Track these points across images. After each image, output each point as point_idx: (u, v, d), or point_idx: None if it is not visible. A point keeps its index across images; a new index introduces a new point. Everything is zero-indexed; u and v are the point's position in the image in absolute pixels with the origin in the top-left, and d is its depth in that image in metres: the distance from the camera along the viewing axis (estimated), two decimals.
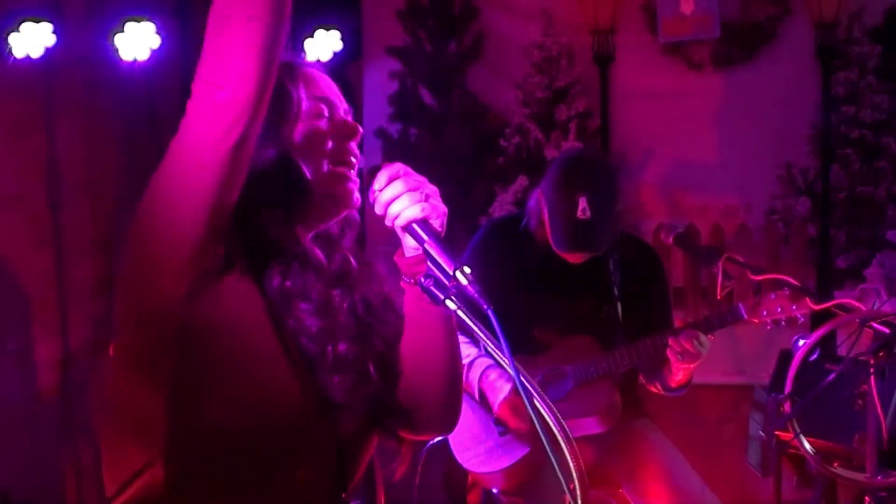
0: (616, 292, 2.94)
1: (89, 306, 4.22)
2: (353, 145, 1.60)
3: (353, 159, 1.60)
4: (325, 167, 1.57)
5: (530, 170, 4.45)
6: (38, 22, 3.31)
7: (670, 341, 2.70)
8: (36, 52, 3.33)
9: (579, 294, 2.95)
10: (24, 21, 3.29)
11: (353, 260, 1.66)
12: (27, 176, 3.91)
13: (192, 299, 1.44)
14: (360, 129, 1.61)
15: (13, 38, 3.29)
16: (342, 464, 1.60)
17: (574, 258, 2.89)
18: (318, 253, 1.59)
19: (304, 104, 1.58)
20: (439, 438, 3.04)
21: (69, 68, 3.78)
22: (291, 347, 1.52)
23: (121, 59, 3.55)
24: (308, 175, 1.55)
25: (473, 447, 2.95)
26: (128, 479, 1.52)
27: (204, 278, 1.45)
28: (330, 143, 1.58)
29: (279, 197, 1.54)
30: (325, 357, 1.53)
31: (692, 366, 2.74)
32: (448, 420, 1.74)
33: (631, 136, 4.48)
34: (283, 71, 1.56)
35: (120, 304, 1.54)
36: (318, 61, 1.72)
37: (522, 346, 2.85)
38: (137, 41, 3.54)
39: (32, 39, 3.31)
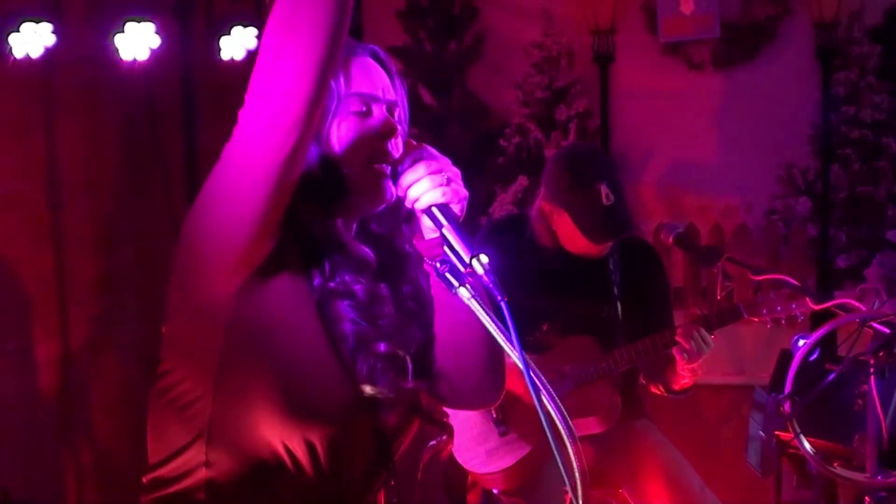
0: (616, 292, 2.94)
1: (89, 306, 4.22)
2: (391, 143, 1.57)
3: (388, 157, 1.57)
4: (362, 163, 1.55)
5: (530, 170, 4.45)
6: (38, 22, 3.30)
7: (679, 339, 2.70)
8: (36, 52, 3.33)
9: (579, 294, 2.95)
10: (24, 21, 3.28)
11: (400, 250, 1.65)
12: (27, 176, 3.91)
13: (243, 296, 1.46)
14: (398, 129, 1.58)
15: (13, 38, 3.28)
16: (384, 455, 1.61)
17: (597, 252, 2.88)
18: (362, 248, 1.58)
19: (342, 101, 1.55)
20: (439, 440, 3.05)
21: (69, 68, 3.78)
22: (337, 345, 1.53)
23: (121, 59, 3.54)
24: (344, 171, 1.54)
25: (474, 447, 2.95)
26: (169, 455, 1.57)
27: (255, 276, 1.46)
28: (366, 141, 1.56)
29: (316, 193, 1.53)
30: (366, 356, 1.54)
31: (696, 364, 2.73)
32: (493, 390, 1.74)
33: (631, 136, 4.49)
34: None
35: (173, 294, 1.55)
36: (375, 46, 1.69)
37: (525, 345, 2.85)
38: (137, 41, 3.53)
39: (32, 39, 3.31)
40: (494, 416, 2.92)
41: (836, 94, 4.24)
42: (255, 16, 4.02)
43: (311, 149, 1.52)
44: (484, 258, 1.45)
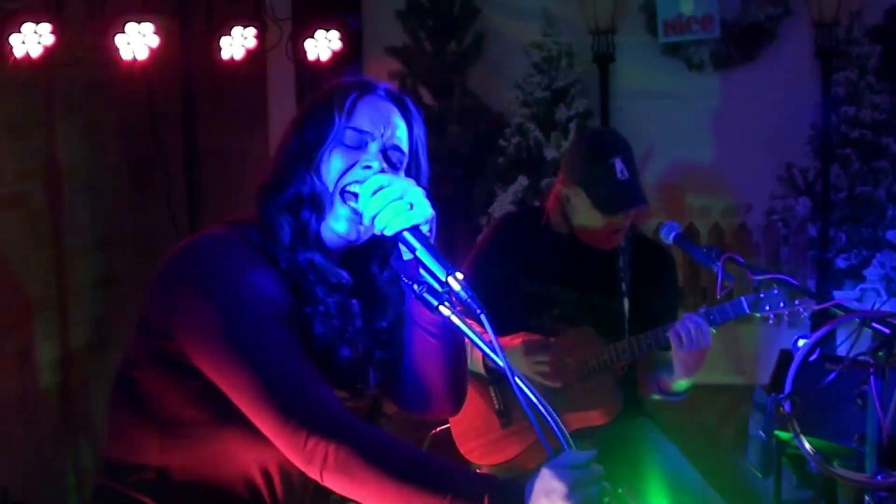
0: (624, 287, 2.95)
1: (89, 306, 4.22)
2: (367, 182, 1.61)
3: (358, 191, 1.62)
4: (339, 191, 1.62)
5: (530, 170, 4.45)
6: (38, 22, 3.30)
7: (677, 324, 2.69)
8: (36, 52, 3.33)
9: (589, 285, 2.96)
10: (24, 21, 3.28)
11: (384, 287, 1.71)
12: (27, 176, 3.91)
13: None
14: (381, 164, 1.63)
15: (13, 38, 3.28)
16: None
17: (610, 241, 2.89)
18: (338, 270, 1.65)
19: (338, 132, 1.63)
20: (441, 428, 3.06)
21: (69, 68, 3.78)
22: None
23: (121, 59, 3.54)
24: (325, 197, 1.61)
25: (475, 438, 2.94)
26: (123, 442, 1.69)
27: None
28: (349, 167, 1.62)
29: (306, 213, 1.61)
30: (328, 360, 1.59)
31: (692, 357, 2.70)
32: (451, 407, 1.82)
33: (631, 136, 4.45)
34: (337, 97, 1.64)
35: (153, 322, 1.63)
36: (385, 89, 1.76)
37: (528, 332, 2.86)
38: (137, 41, 3.53)
39: (32, 39, 3.31)
40: (497, 406, 2.91)
41: (836, 94, 4.24)
42: (255, 16, 4.02)
43: (305, 176, 1.60)
44: (459, 275, 1.48)
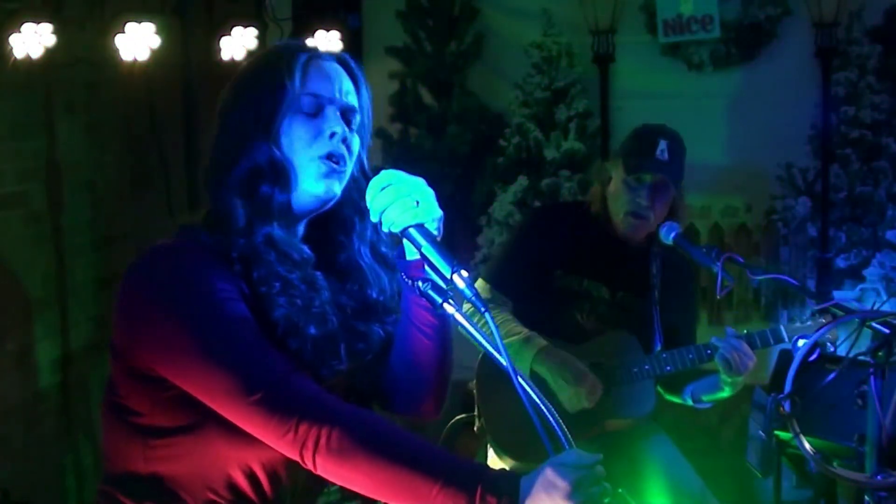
0: (656, 295, 2.95)
1: (89, 306, 4.22)
2: (339, 143, 1.62)
3: (335, 156, 1.62)
4: (309, 160, 1.61)
5: (530, 170, 4.45)
6: (38, 22, 3.31)
7: (723, 350, 2.70)
8: (36, 52, 3.33)
9: (622, 286, 2.96)
10: (24, 21, 3.28)
11: (353, 257, 1.70)
12: (27, 176, 3.91)
13: None
14: (343, 128, 1.63)
15: (13, 38, 3.28)
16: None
17: (633, 225, 2.88)
18: (301, 246, 1.64)
19: (294, 100, 1.61)
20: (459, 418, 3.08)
21: (69, 68, 3.78)
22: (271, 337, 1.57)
23: (121, 59, 3.55)
24: (291, 168, 1.60)
25: (511, 434, 2.93)
26: (113, 451, 1.70)
27: None
28: (312, 139, 1.61)
29: (266, 188, 1.59)
30: (295, 338, 1.58)
31: (738, 377, 2.73)
32: (434, 410, 1.81)
33: None
34: (284, 62, 1.61)
35: (117, 339, 1.66)
36: (327, 52, 1.74)
37: (565, 330, 2.86)
38: (137, 41, 3.54)
39: (32, 39, 3.31)
40: None
41: (836, 94, 4.24)
42: (256, 16, 4.02)
43: (262, 147, 1.58)
44: (464, 273, 1.48)
